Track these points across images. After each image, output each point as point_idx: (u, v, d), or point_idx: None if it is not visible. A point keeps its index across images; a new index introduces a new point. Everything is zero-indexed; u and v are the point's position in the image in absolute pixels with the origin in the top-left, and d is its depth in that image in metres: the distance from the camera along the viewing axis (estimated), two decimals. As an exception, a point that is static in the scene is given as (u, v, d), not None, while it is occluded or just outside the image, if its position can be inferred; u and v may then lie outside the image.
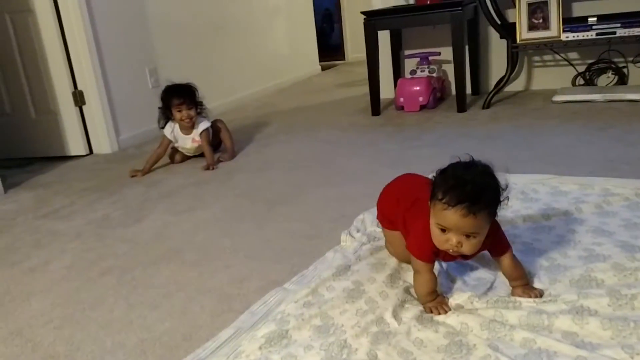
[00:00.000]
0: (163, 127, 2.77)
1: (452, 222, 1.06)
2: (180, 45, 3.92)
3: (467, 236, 1.08)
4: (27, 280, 1.65)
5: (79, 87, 3.20)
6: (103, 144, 3.29)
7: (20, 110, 3.29)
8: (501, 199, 1.09)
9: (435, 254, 1.17)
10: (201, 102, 2.76)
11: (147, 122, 3.39)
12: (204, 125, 2.74)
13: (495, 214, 1.09)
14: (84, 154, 3.29)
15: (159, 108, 2.75)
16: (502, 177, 1.10)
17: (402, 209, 1.27)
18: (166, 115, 2.74)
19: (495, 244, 1.17)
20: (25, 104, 3.27)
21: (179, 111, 2.66)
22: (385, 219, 1.38)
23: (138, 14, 3.54)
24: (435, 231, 1.11)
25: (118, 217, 2.12)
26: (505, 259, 1.19)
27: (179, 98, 2.66)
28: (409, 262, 1.44)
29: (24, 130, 3.31)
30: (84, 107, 3.24)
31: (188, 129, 2.75)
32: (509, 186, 1.11)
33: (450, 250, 1.11)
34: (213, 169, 2.63)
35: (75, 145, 3.28)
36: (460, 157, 1.12)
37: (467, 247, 1.09)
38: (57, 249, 1.87)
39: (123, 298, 1.46)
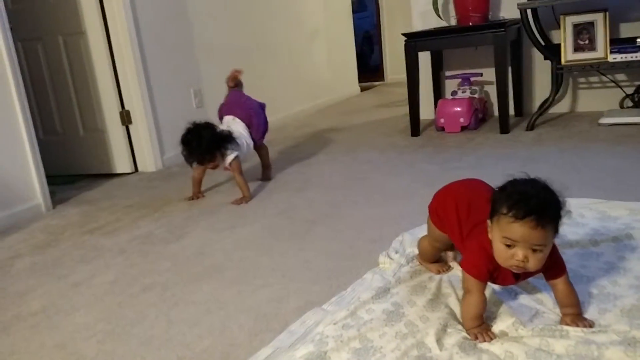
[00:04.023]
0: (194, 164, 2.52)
1: (520, 235, 1.04)
2: (223, 67, 3.97)
3: (534, 251, 1.06)
4: (72, 294, 1.70)
5: (126, 107, 3.31)
6: (148, 163, 3.38)
7: (69, 128, 3.42)
8: (562, 215, 1.07)
9: (490, 274, 1.15)
10: (223, 140, 2.43)
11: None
12: (231, 156, 2.48)
13: (558, 229, 1.07)
14: (129, 171, 3.38)
15: (183, 154, 2.44)
16: (559, 195, 1.09)
17: (463, 229, 1.24)
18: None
19: (551, 265, 1.14)
20: (75, 122, 3.39)
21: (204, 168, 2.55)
22: (437, 217, 1.36)
23: (184, 37, 3.64)
24: (500, 247, 1.09)
25: (161, 234, 2.16)
26: (560, 284, 1.15)
27: (198, 163, 2.45)
28: (429, 261, 1.48)
29: (72, 148, 3.43)
30: (130, 127, 3.35)
31: None
32: (567, 203, 1.09)
33: (514, 267, 1.08)
34: (247, 202, 2.45)
35: (121, 163, 3.38)
36: (514, 175, 1.11)
37: (532, 262, 1.07)
38: (102, 265, 1.92)
39: (164, 314, 1.48)
